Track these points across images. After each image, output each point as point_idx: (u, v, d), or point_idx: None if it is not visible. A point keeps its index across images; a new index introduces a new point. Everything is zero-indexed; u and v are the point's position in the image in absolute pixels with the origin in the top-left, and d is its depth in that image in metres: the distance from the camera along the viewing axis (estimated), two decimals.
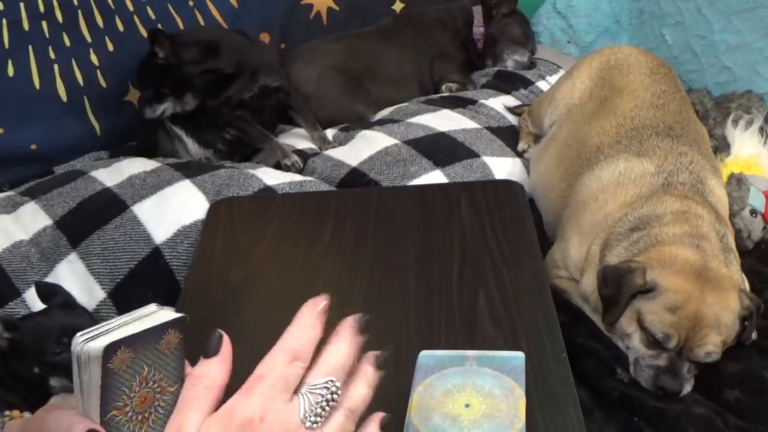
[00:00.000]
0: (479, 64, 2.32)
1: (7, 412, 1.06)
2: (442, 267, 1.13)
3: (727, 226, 1.39)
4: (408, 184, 1.60)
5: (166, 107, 1.77)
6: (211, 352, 0.57)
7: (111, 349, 0.59)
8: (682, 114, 1.59)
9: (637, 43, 2.23)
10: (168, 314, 0.64)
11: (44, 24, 1.77)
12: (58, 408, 0.63)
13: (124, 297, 1.40)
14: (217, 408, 0.59)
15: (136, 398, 0.62)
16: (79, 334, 0.60)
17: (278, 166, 1.73)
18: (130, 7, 1.88)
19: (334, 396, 0.63)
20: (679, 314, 1.18)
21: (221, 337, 0.59)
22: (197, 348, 1.04)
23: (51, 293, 1.24)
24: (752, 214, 1.54)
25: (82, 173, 1.60)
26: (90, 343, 0.59)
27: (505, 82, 2.18)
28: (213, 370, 0.58)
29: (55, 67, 1.80)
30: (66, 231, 1.46)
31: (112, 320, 0.62)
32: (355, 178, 1.65)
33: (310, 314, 0.65)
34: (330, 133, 1.91)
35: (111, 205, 1.48)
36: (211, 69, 1.76)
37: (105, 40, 1.86)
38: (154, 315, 0.64)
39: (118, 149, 1.89)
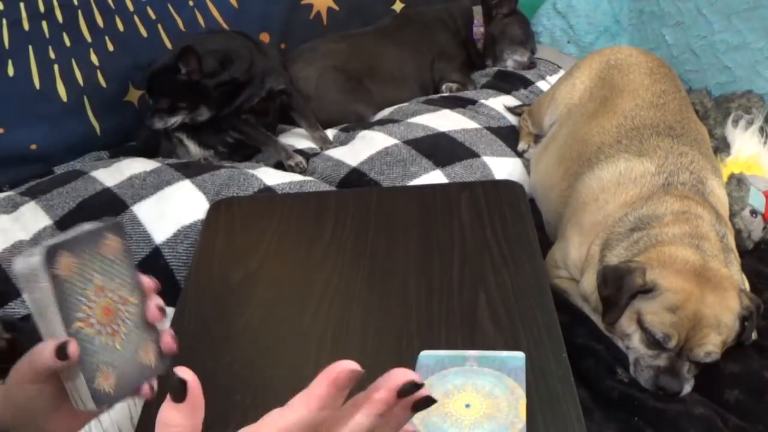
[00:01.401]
0: (479, 64, 2.33)
1: None
2: (442, 267, 1.13)
3: (727, 226, 1.39)
4: (408, 184, 1.60)
5: (177, 119, 1.75)
6: (175, 398, 0.49)
7: (51, 254, 0.58)
8: (682, 114, 1.59)
9: (637, 43, 2.23)
10: (101, 223, 0.64)
11: (44, 24, 1.77)
12: (31, 349, 0.62)
13: None
14: None
15: (98, 309, 0.61)
16: (18, 257, 0.59)
17: (278, 166, 1.73)
18: (130, 7, 1.88)
19: None
20: (679, 314, 1.18)
21: (183, 383, 0.49)
22: (196, 347, 1.04)
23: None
24: (752, 214, 1.54)
25: (82, 173, 1.60)
26: (31, 257, 0.58)
27: (505, 82, 2.18)
28: (181, 420, 0.49)
29: (55, 67, 1.80)
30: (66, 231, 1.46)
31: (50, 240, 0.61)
32: (355, 178, 1.65)
33: (326, 386, 0.51)
34: (330, 133, 1.91)
35: (111, 205, 1.48)
36: (227, 80, 1.75)
37: (105, 40, 1.86)
38: (87, 225, 0.63)
39: (118, 149, 1.90)
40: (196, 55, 1.67)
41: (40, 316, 0.59)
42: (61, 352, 0.58)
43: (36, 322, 0.60)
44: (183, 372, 0.50)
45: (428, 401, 0.52)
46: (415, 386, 0.50)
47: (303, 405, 0.51)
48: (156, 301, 0.67)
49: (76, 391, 0.60)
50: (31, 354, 0.61)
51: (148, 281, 0.67)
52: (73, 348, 0.58)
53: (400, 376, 0.50)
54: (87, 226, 0.62)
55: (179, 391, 0.49)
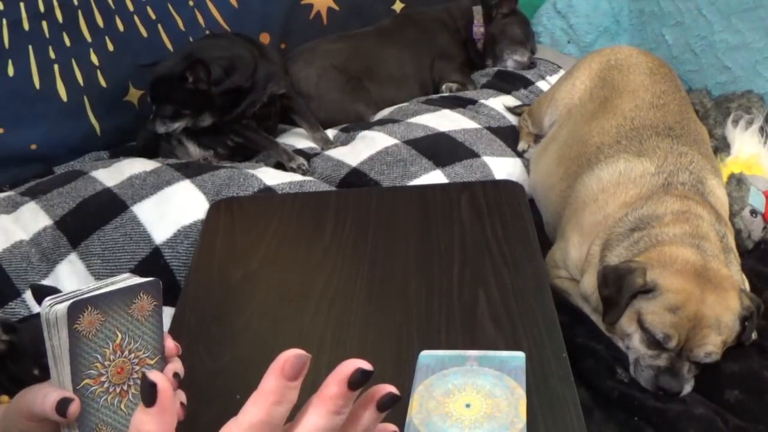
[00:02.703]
0: (479, 64, 2.33)
1: None
2: (442, 267, 1.13)
3: (727, 226, 1.39)
4: (408, 184, 1.60)
5: (180, 125, 1.75)
6: (146, 402, 0.48)
7: (76, 309, 0.56)
8: (682, 114, 1.59)
9: (637, 43, 2.23)
10: (139, 279, 0.62)
11: (44, 24, 1.77)
12: (39, 385, 0.62)
13: None
14: None
15: (112, 368, 0.60)
16: (48, 298, 0.58)
17: (278, 166, 1.73)
18: (130, 7, 1.88)
19: None
20: (680, 314, 1.18)
21: (153, 386, 0.48)
22: (196, 347, 1.04)
23: (48, 295, 1.24)
24: (752, 214, 1.54)
25: (82, 173, 1.60)
26: (57, 305, 0.57)
27: (505, 82, 2.18)
28: (151, 424, 0.48)
29: (55, 67, 1.80)
30: (66, 231, 1.46)
31: (85, 287, 0.60)
32: (355, 178, 1.65)
33: (274, 379, 0.49)
34: (330, 133, 1.91)
35: (111, 206, 1.48)
36: (231, 88, 1.74)
37: (105, 40, 1.86)
38: (126, 281, 0.61)
39: (118, 149, 1.89)
40: (206, 66, 1.67)
41: (53, 361, 0.59)
42: (62, 408, 0.57)
43: (50, 365, 0.59)
44: (154, 376, 0.48)
45: (393, 399, 0.50)
46: (365, 374, 0.48)
47: (256, 405, 0.49)
48: (175, 366, 0.65)
49: None
50: (35, 394, 0.60)
51: (171, 346, 0.65)
52: (74, 408, 0.58)
53: (348, 366, 0.48)
54: (124, 283, 0.61)
55: (149, 395, 0.48)
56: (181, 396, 0.66)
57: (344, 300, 1.09)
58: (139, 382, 0.61)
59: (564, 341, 0.97)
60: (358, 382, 0.48)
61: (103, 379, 0.60)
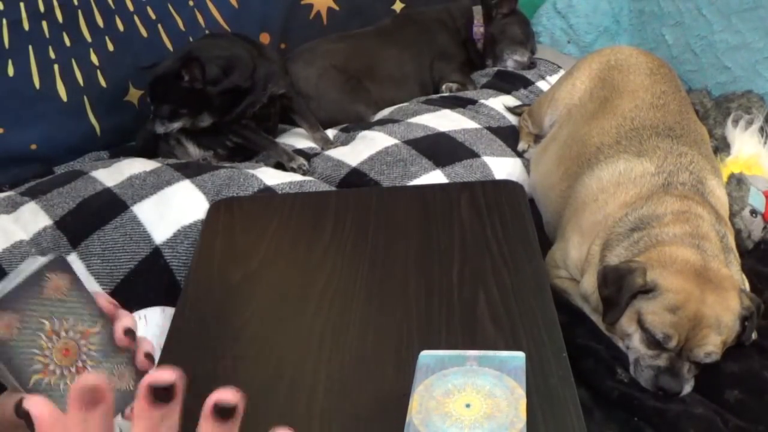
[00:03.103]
0: (479, 64, 2.32)
1: None
2: (442, 267, 1.13)
3: (727, 226, 1.39)
4: (408, 184, 1.60)
5: (179, 124, 1.75)
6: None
7: None
8: (682, 114, 1.59)
9: (637, 43, 2.23)
10: (40, 261, 0.59)
11: (44, 24, 1.77)
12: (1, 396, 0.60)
13: (124, 297, 1.40)
14: None
15: (55, 353, 0.59)
16: None
17: (278, 166, 1.73)
18: (130, 7, 1.87)
19: None
20: (680, 314, 1.18)
21: (27, 415, 0.47)
22: (196, 347, 1.04)
23: None
24: (752, 214, 1.54)
25: (82, 173, 1.60)
26: None
27: (505, 82, 2.18)
28: None
29: (55, 67, 1.80)
30: (66, 231, 1.46)
31: None
32: (355, 178, 1.65)
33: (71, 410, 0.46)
34: (330, 133, 1.91)
35: (111, 205, 1.48)
36: (230, 88, 1.74)
37: (105, 40, 1.85)
38: (29, 267, 0.59)
39: (118, 149, 1.89)
40: (200, 65, 1.67)
41: None
42: (19, 412, 0.54)
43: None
44: (28, 403, 0.47)
45: (226, 411, 0.45)
46: (165, 390, 0.45)
47: None
48: (123, 323, 0.63)
49: None
50: (1, 402, 0.58)
51: (106, 305, 0.63)
52: (32, 407, 0.53)
53: (149, 378, 0.45)
54: (24, 272, 0.58)
55: (29, 425, 0.47)
56: (147, 346, 0.64)
57: (344, 300, 1.09)
58: (91, 353, 0.60)
59: (564, 341, 0.97)
60: (161, 396, 0.45)
61: (51, 367, 0.58)
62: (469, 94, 2.10)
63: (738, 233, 1.50)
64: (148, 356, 0.65)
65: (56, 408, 0.49)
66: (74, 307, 0.60)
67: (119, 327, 0.63)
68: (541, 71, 2.26)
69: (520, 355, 0.85)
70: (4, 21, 1.72)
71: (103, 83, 1.88)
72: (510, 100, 2.07)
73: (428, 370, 0.83)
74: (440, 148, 1.71)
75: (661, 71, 1.70)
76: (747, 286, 1.34)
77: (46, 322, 0.58)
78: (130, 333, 0.63)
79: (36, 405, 0.47)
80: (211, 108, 1.74)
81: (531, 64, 2.28)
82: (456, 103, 2.00)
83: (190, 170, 1.58)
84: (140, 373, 0.64)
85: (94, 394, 0.45)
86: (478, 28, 2.30)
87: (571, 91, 1.79)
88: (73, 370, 0.60)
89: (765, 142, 1.78)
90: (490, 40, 2.29)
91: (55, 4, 1.76)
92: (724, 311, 1.19)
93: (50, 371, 0.58)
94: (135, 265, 1.41)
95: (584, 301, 1.38)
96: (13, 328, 0.56)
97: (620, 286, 1.22)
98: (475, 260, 1.13)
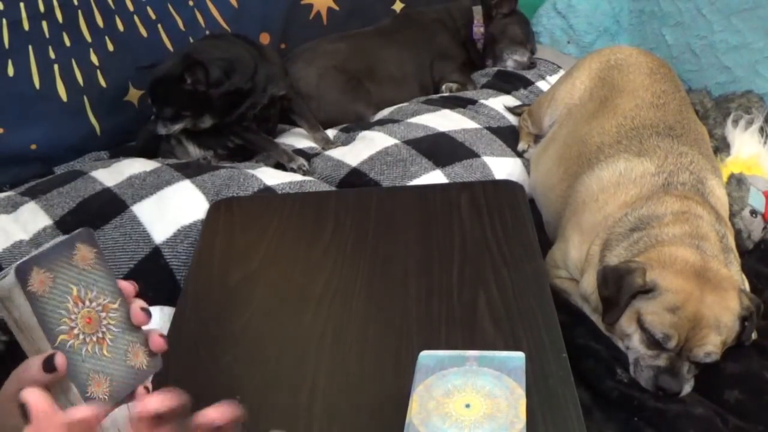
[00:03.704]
0: (479, 64, 2.33)
1: None
2: (442, 267, 1.13)
3: (727, 227, 1.39)
4: (408, 184, 1.60)
5: (180, 126, 1.75)
6: (24, 420, 0.52)
7: (23, 272, 0.58)
8: (682, 114, 1.59)
9: (637, 43, 2.23)
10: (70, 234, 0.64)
11: (44, 24, 1.77)
12: (17, 369, 0.62)
13: None
14: None
15: (80, 319, 0.61)
16: None
17: (278, 166, 1.73)
18: (130, 7, 1.87)
19: None
20: (679, 314, 1.18)
21: (23, 406, 0.53)
22: (196, 347, 1.04)
23: None
24: (752, 215, 1.54)
25: (82, 173, 1.60)
26: (2, 279, 0.58)
27: (505, 82, 2.18)
28: None
29: (55, 67, 1.80)
30: (66, 231, 1.45)
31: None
32: (355, 178, 1.65)
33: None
34: (330, 133, 1.91)
35: (111, 205, 1.48)
36: (231, 90, 1.74)
37: (105, 40, 1.85)
38: (56, 239, 0.63)
39: (118, 149, 1.89)
40: (203, 68, 1.67)
41: (22, 335, 0.59)
42: (49, 364, 0.58)
43: (21, 343, 0.60)
44: (26, 395, 0.52)
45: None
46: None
47: None
48: (139, 303, 0.67)
49: (70, 403, 0.60)
50: (18, 372, 0.60)
51: (127, 285, 0.67)
52: (60, 359, 0.58)
53: (141, 407, 0.53)
54: (54, 240, 0.62)
55: (23, 414, 0.52)
56: (158, 330, 0.68)
57: (344, 300, 1.09)
58: (111, 327, 0.64)
59: (564, 341, 0.97)
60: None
61: (75, 331, 0.61)
62: (469, 94, 2.10)
63: (738, 233, 1.50)
64: (163, 337, 0.68)
65: (52, 404, 0.52)
66: (98, 280, 0.64)
67: (136, 305, 0.66)
68: (541, 71, 2.26)
69: (519, 356, 0.85)
70: (4, 21, 1.72)
71: (103, 83, 1.88)
72: (510, 100, 2.07)
73: (428, 370, 0.83)
74: (440, 148, 1.71)
75: (661, 71, 1.70)
76: (747, 287, 1.34)
77: (74, 288, 0.61)
78: (145, 311, 0.66)
79: (33, 396, 0.50)
80: (213, 110, 1.74)
81: (531, 64, 2.28)
82: (456, 103, 2.00)
83: (190, 170, 1.58)
84: (152, 354, 0.66)
85: (83, 426, 0.49)
86: (478, 28, 2.30)
87: (571, 91, 1.79)
88: (94, 338, 0.62)
89: (765, 142, 1.78)
90: (490, 40, 2.29)
91: (55, 4, 1.76)
92: (723, 311, 1.19)
93: (74, 335, 0.61)
94: (135, 264, 1.41)
95: (584, 301, 1.38)
96: (46, 285, 0.59)
97: (620, 286, 1.22)
98: (475, 260, 1.13)
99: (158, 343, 0.67)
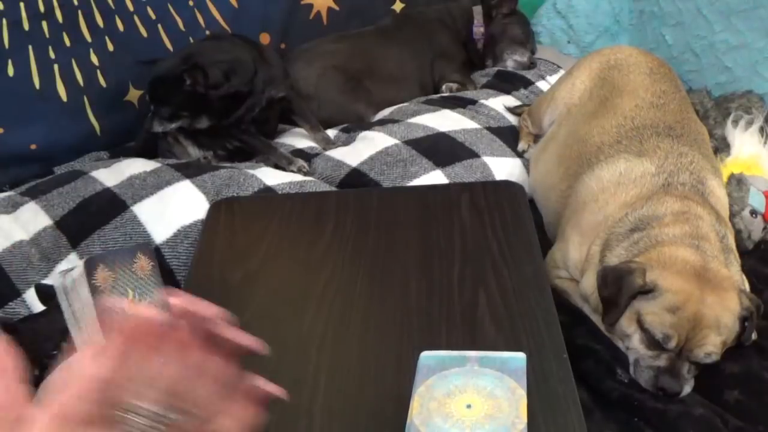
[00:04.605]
0: (479, 64, 2.33)
1: None
2: (443, 267, 1.13)
3: (728, 227, 1.39)
4: (408, 184, 1.60)
5: (177, 124, 1.75)
6: None
7: (91, 265, 0.62)
8: (682, 114, 1.59)
9: (637, 43, 2.23)
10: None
11: (44, 24, 1.77)
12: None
13: None
14: None
15: None
16: (57, 272, 0.63)
17: (278, 166, 1.73)
18: (130, 7, 1.88)
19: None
20: (679, 315, 1.18)
21: None
22: None
23: (51, 295, 1.24)
24: (752, 215, 1.54)
25: (82, 173, 1.60)
26: (71, 271, 0.62)
27: (505, 82, 2.18)
28: None
29: (55, 67, 1.80)
30: (66, 231, 1.46)
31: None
32: (355, 178, 1.65)
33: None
34: (331, 133, 1.91)
35: (111, 205, 1.48)
36: (230, 92, 1.74)
37: (105, 40, 1.86)
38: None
39: (118, 149, 1.89)
40: (203, 70, 1.67)
41: (77, 325, 0.62)
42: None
43: (72, 334, 0.63)
44: None
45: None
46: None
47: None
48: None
49: None
50: (70, 363, 0.60)
51: (174, 300, 0.67)
52: None
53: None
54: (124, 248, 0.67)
55: None
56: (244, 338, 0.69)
57: (344, 300, 1.09)
58: None
59: (564, 341, 0.98)
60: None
61: None
62: (469, 94, 2.10)
63: (738, 233, 1.50)
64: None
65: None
66: (150, 291, 0.67)
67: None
68: (541, 71, 2.26)
69: (520, 356, 0.85)
70: (4, 21, 1.72)
71: (103, 83, 1.88)
72: (510, 100, 2.07)
73: (429, 370, 0.83)
74: (440, 148, 1.71)
75: (661, 71, 1.70)
76: (747, 287, 1.34)
77: (131, 292, 0.66)
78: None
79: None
80: (211, 111, 1.74)
81: (531, 64, 2.28)
82: (456, 103, 2.00)
83: (190, 170, 1.58)
84: None
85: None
86: (478, 28, 2.30)
87: (570, 91, 1.79)
88: None
89: (765, 142, 1.78)
90: (490, 40, 2.29)
91: (55, 4, 1.76)
92: (723, 312, 1.19)
93: None
94: None
95: (584, 301, 1.38)
96: (108, 283, 0.63)
97: (620, 287, 1.22)
98: (476, 261, 1.13)
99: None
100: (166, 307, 0.65)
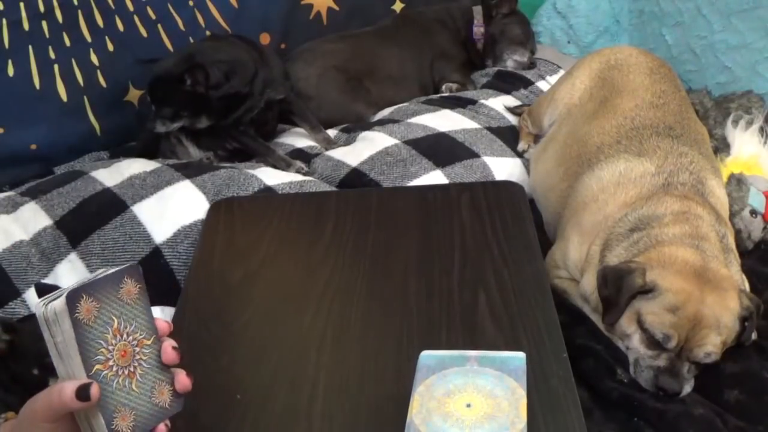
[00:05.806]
0: (479, 64, 2.33)
1: (2, 414, 1.06)
2: (443, 267, 1.13)
3: (727, 227, 1.39)
4: (408, 184, 1.60)
5: (178, 124, 1.75)
6: None
7: (73, 298, 0.60)
8: (682, 114, 1.59)
9: (637, 43, 2.23)
10: (118, 267, 0.66)
11: (44, 24, 1.77)
12: (48, 388, 0.63)
13: None
14: None
15: (116, 351, 0.63)
16: (38, 300, 0.61)
17: (277, 168, 1.73)
18: (130, 7, 1.88)
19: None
20: (679, 315, 1.18)
21: None
22: (196, 347, 1.04)
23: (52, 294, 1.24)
24: (752, 215, 1.54)
25: (82, 173, 1.60)
26: (52, 302, 0.60)
27: (505, 82, 2.18)
28: None
29: (55, 67, 1.80)
30: (66, 231, 1.46)
31: (67, 286, 0.63)
32: (355, 178, 1.65)
33: None
34: (331, 133, 1.91)
35: (111, 205, 1.48)
36: (230, 93, 1.74)
37: (105, 40, 1.86)
38: (107, 270, 0.65)
39: (118, 149, 1.89)
40: (204, 70, 1.67)
41: (60, 358, 0.61)
42: (83, 393, 0.60)
43: (55, 363, 0.62)
44: None
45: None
46: None
47: None
48: (170, 342, 0.69)
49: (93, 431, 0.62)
50: (49, 393, 0.62)
51: (162, 324, 0.69)
52: (95, 390, 0.60)
53: None
54: (105, 272, 0.65)
55: None
56: (172, 342, 0.69)
57: (344, 300, 1.09)
58: (142, 363, 0.65)
59: (564, 341, 0.98)
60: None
61: (110, 363, 0.63)
62: (469, 94, 2.10)
63: (738, 233, 1.50)
64: (175, 348, 0.69)
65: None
66: (137, 316, 0.66)
67: (168, 343, 0.68)
68: (541, 71, 2.26)
69: (520, 356, 0.85)
70: (4, 21, 1.72)
71: (103, 83, 1.88)
72: (510, 100, 2.07)
73: (429, 370, 0.83)
74: (440, 148, 1.71)
75: (661, 71, 1.70)
76: (747, 287, 1.34)
77: (115, 320, 0.64)
78: (176, 349, 0.69)
79: None
80: (210, 111, 1.74)
81: (531, 64, 2.28)
82: (456, 103, 2.00)
83: (190, 170, 1.58)
84: (177, 394, 0.68)
85: None
86: (478, 28, 2.30)
87: (570, 91, 1.79)
88: (126, 372, 0.64)
89: (765, 142, 1.78)
90: (490, 40, 2.29)
91: (55, 4, 1.76)
92: (723, 311, 1.19)
93: (109, 366, 0.63)
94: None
95: (584, 301, 1.38)
96: (92, 314, 0.62)
97: (620, 287, 1.22)
98: (476, 261, 1.13)
99: (184, 383, 0.69)
100: (152, 331, 0.67)
